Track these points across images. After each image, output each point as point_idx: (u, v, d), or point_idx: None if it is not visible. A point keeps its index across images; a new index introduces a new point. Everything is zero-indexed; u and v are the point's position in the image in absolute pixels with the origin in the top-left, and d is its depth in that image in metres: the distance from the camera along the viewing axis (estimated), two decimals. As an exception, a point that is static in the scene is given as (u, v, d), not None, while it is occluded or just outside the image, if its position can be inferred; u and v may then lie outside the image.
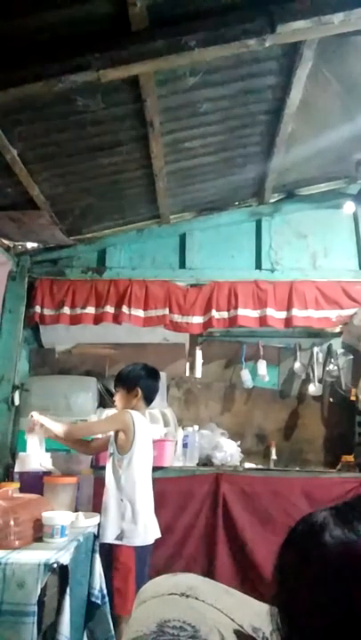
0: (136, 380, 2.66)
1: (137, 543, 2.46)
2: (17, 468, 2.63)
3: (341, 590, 0.60)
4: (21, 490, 2.37)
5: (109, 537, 2.44)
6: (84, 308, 3.91)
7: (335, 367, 4.07)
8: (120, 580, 2.41)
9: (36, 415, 2.66)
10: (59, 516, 1.99)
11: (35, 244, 3.98)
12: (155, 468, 2.82)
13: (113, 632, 2.23)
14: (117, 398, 2.71)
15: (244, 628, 0.76)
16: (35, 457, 2.61)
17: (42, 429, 2.65)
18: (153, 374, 2.75)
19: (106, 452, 2.66)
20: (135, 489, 2.51)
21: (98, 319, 3.91)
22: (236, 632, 0.74)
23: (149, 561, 2.60)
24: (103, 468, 2.67)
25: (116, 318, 3.88)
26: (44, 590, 1.63)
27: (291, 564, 0.66)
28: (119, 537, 2.44)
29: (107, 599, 2.24)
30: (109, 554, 2.41)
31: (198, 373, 4.24)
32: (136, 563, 2.44)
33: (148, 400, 2.71)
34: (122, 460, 2.52)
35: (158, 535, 2.62)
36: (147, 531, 2.52)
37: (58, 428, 2.60)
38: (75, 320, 3.93)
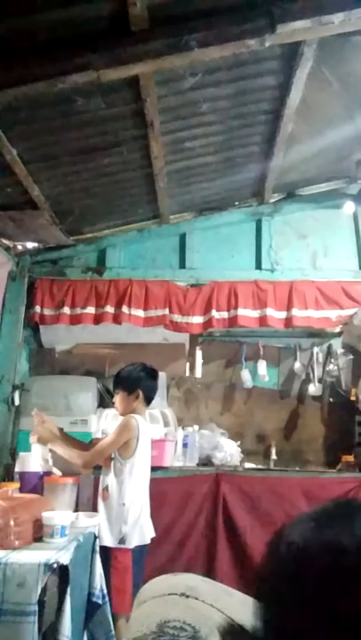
0: (137, 381, 2.64)
1: (134, 544, 2.47)
2: (17, 468, 2.62)
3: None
4: (21, 490, 2.36)
5: (112, 542, 2.44)
6: (84, 308, 3.91)
7: (335, 367, 4.07)
8: (118, 578, 2.41)
9: (50, 445, 2.56)
10: (59, 515, 1.99)
11: (35, 244, 3.98)
12: (155, 468, 2.81)
13: (113, 632, 2.23)
14: (117, 400, 2.68)
15: (245, 629, 0.76)
16: (35, 457, 2.60)
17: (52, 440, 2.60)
18: (153, 374, 2.73)
19: None
20: (136, 493, 2.51)
21: (98, 319, 3.91)
22: (236, 632, 0.74)
23: (148, 561, 2.61)
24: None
25: (116, 318, 3.88)
26: (44, 590, 1.63)
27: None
28: (122, 541, 2.44)
29: (107, 599, 2.24)
30: (107, 554, 2.40)
31: (198, 373, 4.23)
32: (133, 562, 2.45)
33: (148, 400, 2.70)
34: (124, 464, 2.51)
35: (153, 534, 2.62)
36: (143, 531, 2.53)
37: (74, 460, 2.50)
38: (75, 320, 3.93)
